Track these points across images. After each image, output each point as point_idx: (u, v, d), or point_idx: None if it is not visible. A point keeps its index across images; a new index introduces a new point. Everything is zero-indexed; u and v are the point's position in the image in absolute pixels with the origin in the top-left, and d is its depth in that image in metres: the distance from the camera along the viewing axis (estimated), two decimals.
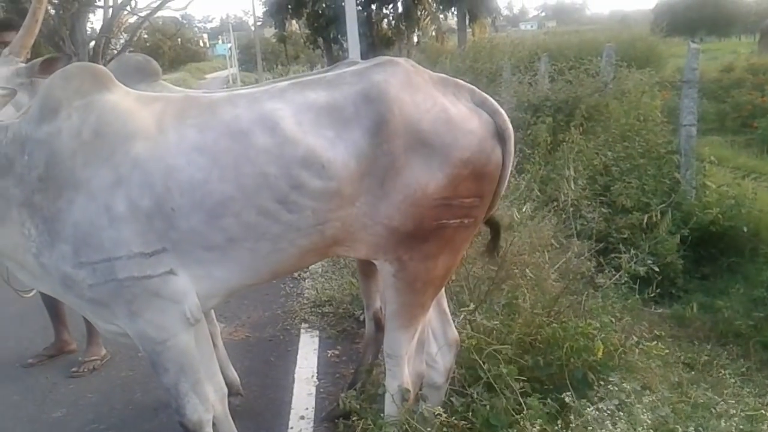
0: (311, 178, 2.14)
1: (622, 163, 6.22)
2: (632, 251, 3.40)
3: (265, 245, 2.20)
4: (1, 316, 4.81)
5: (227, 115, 2.20)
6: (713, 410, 2.60)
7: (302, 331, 4.40)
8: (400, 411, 2.53)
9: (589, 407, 2.43)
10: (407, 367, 2.55)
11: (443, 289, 2.71)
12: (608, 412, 2.38)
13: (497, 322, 3.13)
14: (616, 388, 2.55)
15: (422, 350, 2.65)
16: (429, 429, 2.51)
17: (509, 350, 2.92)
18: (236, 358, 3.72)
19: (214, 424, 2.50)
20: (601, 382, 2.71)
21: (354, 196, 2.21)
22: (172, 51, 46.11)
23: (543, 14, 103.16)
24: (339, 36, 25.04)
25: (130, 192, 2.12)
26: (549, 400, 2.63)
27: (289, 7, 27.24)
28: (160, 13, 16.20)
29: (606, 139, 6.59)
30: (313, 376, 3.74)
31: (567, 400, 2.48)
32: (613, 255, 3.65)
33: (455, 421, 2.53)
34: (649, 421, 2.31)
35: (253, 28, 43.71)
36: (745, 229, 5.55)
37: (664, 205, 4.36)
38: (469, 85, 2.42)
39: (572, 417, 2.44)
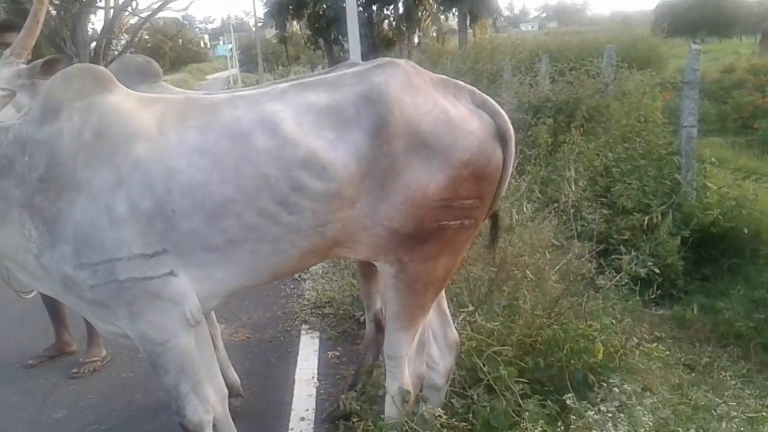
0: (312, 180, 2.14)
1: (622, 164, 6.22)
2: (633, 253, 3.40)
3: (265, 246, 2.20)
4: (2, 317, 4.82)
5: (228, 116, 2.20)
6: (714, 412, 2.60)
7: (303, 332, 4.40)
8: (400, 412, 2.53)
9: (590, 409, 2.43)
10: (407, 369, 2.55)
11: (443, 291, 2.71)
12: (609, 413, 2.38)
13: (498, 324, 3.13)
14: (617, 390, 2.55)
15: (423, 351, 2.65)
16: (429, 430, 2.51)
17: (509, 352, 2.92)
18: (236, 359, 3.72)
19: (214, 426, 2.50)
20: (602, 384, 2.71)
21: (354, 198, 2.21)
22: (173, 52, 46.10)
23: (544, 15, 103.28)
24: (340, 37, 25.02)
25: (130, 193, 2.12)
26: (549, 402, 2.63)
27: (290, 7, 27.22)
28: (161, 14, 16.21)
29: (607, 140, 6.59)
30: (313, 377, 3.74)
31: (568, 402, 2.48)
32: (613, 256, 3.65)
33: (455, 423, 2.53)
34: (650, 423, 2.31)
35: (254, 29, 43.73)
36: (746, 231, 5.55)
37: (664, 206, 4.36)
38: (469, 86, 2.42)
39: (573, 419, 2.44)
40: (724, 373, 3.44)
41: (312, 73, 2.76)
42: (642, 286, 3.77)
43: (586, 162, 6.07)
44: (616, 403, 2.46)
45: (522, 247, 3.77)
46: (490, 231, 2.86)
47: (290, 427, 3.25)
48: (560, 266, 3.78)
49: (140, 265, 2.15)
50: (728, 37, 37.95)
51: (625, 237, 5.07)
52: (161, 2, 14.57)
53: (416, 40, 28.91)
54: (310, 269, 5.17)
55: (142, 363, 3.82)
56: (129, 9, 14.73)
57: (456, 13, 27.21)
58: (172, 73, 40.52)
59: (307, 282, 5.26)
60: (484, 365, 2.79)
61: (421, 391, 2.69)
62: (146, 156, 2.13)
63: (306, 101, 2.22)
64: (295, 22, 29.70)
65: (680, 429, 2.38)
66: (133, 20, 15.74)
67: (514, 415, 2.53)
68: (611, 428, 2.29)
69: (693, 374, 3.62)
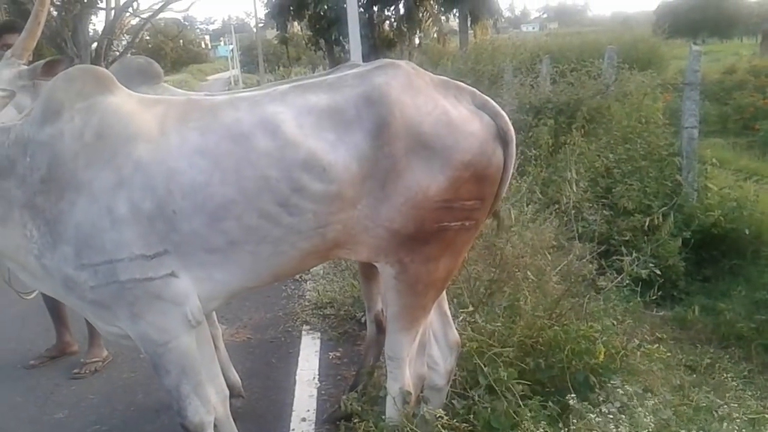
0: (312, 181, 2.15)
1: (623, 166, 6.21)
2: (634, 254, 3.40)
3: (266, 248, 2.21)
4: (3, 318, 4.82)
5: (229, 118, 2.20)
6: (715, 413, 2.60)
7: (304, 333, 4.40)
8: (401, 413, 2.53)
9: (591, 410, 2.43)
10: (408, 370, 2.55)
11: (444, 292, 2.71)
12: (610, 415, 2.38)
13: (498, 325, 3.13)
14: (618, 391, 2.55)
15: (423, 352, 2.65)
16: (430, 431, 2.51)
17: (510, 353, 2.92)
18: (238, 359, 3.72)
19: (215, 426, 2.50)
20: (603, 385, 2.71)
21: (355, 199, 2.21)
22: (174, 52, 46.12)
23: (545, 16, 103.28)
24: (341, 37, 25.06)
25: (131, 194, 2.12)
26: (550, 403, 2.63)
27: (291, 8, 27.26)
28: (162, 15, 16.27)
29: (608, 141, 6.59)
30: (314, 378, 3.74)
31: (571, 403, 2.48)
32: (614, 257, 3.64)
33: (456, 424, 2.52)
34: (651, 424, 2.31)
35: (254, 30, 43.73)
36: (747, 232, 5.54)
37: (666, 207, 4.35)
38: (470, 87, 2.42)
39: (574, 420, 2.43)
40: (725, 375, 3.43)
41: (313, 74, 2.76)
42: (643, 287, 3.76)
43: (587, 163, 6.07)
44: (618, 405, 2.47)
45: (523, 248, 3.77)
46: (494, 224, 2.85)
47: (291, 428, 3.25)
48: (561, 267, 3.78)
49: (141, 265, 2.15)
50: (729, 38, 37.94)
51: (626, 238, 5.07)
52: (162, 3, 14.60)
53: (417, 41, 28.95)
54: (311, 270, 5.17)
55: (144, 363, 3.82)
56: (130, 10, 14.79)
57: (457, 14, 27.24)
58: (173, 73, 40.55)
59: (308, 283, 5.26)
60: (484, 366, 2.79)
61: (422, 392, 2.69)
62: (147, 157, 2.13)
63: (307, 103, 2.22)
64: (296, 23, 29.76)
65: (682, 430, 2.39)
66: (134, 21, 15.80)
67: (515, 416, 2.53)
68: (612, 429, 2.29)
69: (694, 375, 3.62)
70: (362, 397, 3.01)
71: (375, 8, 27.03)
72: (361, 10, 23.43)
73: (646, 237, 4.60)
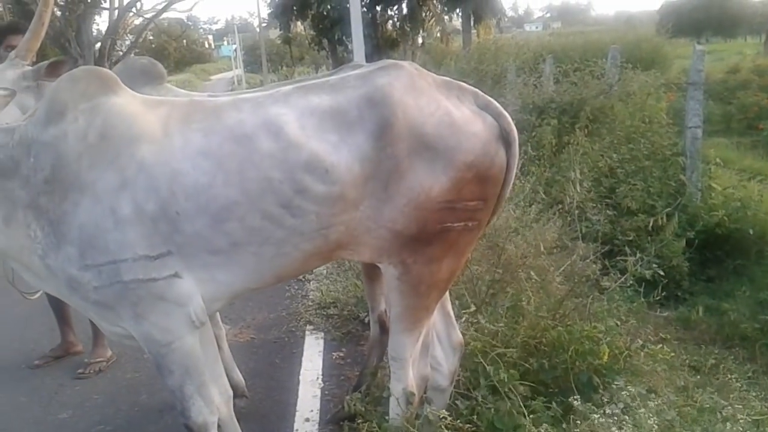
0: (315, 183, 2.15)
1: (627, 166, 6.21)
2: (638, 254, 3.39)
3: (269, 249, 2.21)
4: (7, 318, 4.83)
5: (232, 119, 2.20)
6: (719, 414, 2.59)
7: (307, 333, 4.40)
8: (404, 414, 2.52)
9: (595, 411, 2.43)
10: (412, 370, 2.55)
11: (447, 292, 2.71)
12: (614, 416, 2.38)
13: (502, 325, 3.13)
14: (622, 392, 2.55)
15: (427, 353, 2.65)
16: None
17: (514, 353, 2.91)
18: (241, 360, 3.72)
19: (219, 426, 2.50)
20: (607, 386, 2.71)
21: (358, 200, 2.21)
22: (177, 52, 46.20)
23: (548, 15, 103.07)
24: (344, 37, 25.04)
25: (135, 195, 2.12)
26: (554, 404, 2.62)
27: (294, 8, 27.25)
28: (165, 15, 16.30)
29: (611, 141, 6.59)
30: (318, 378, 3.74)
31: (575, 404, 2.47)
32: (618, 257, 3.64)
33: (460, 425, 2.53)
34: (655, 426, 2.30)
35: (258, 30, 43.80)
36: (751, 232, 5.54)
37: (669, 207, 4.34)
38: (472, 88, 2.42)
39: (578, 421, 2.43)
40: (729, 375, 3.43)
41: (316, 73, 2.76)
42: (647, 288, 3.76)
43: (590, 163, 6.06)
44: (621, 405, 2.46)
45: (526, 249, 3.76)
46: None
47: (295, 428, 3.25)
48: (565, 267, 3.77)
49: (144, 266, 2.15)
50: (733, 37, 37.86)
51: (630, 238, 5.06)
52: (166, 3, 14.63)
53: (420, 40, 28.90)
54: (315, 270, 5.17)
55: (147, 364, 3.82)
56: (133, 10, 14.80)
57: (460, 14, 27.19)
58: (176, 73, 40.63)
59: (311, 283, 5.26)
60: (487, 366, 2.79)
61: (425, 392, 2.69)
62: (151, 158, 2.14)
63: (309, 104, 2.22)
64: (299, 23, 29.75)
65: (685, 431, 2.38)
66: (138, 21, 15.82)
67: (518, 417, 2.53)
68: (616, 430, 2.29)
69: (698, 376, 3.61)
70: (366, 397, 3.01)
71: (378, 8, 27.01)
72: (364, 9, 23.36)
73: (649, 237, 4.60)
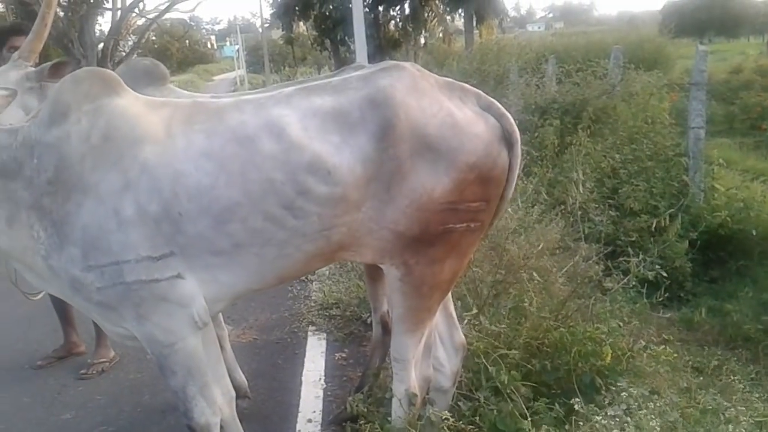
0: (317, 184, 2.15)
1: (630, 166, 6.20)
2: (640, 255, 3.39)
3: (271, 250, 2.21)
4: (11, 318, 4.84)
5: (234, 120, 2.20)
6: (722, 416, 2.58)
7: (309, 333, 4.40)
8: (407, 415, 2.53)
9: (597, 413, 2.42)
10: (414, 371, 2.55)
11: (450, 293, 2.71)
12: (616, 418, 2.37)
13: (504, 326, 3.13)
14: (624, 393, 2.54)
15: (429, 354, 2.65)
16: None
17: (516, 354, 2.91)
18: (244, 360, 3.72)
19: (221, 427, 2.50)
20: (609, 387, 2.71)
21: (360, 202, 2.21)
22: (180, 53, 46.27)
23: (550, 15, 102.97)
24: (346, 37, 25.05)
25: (138, 196, 2.13)
26: (556, 405, 2.62)
27: (297, 8, 27.28)
28: (168, 15, 16.30)
29: (614, 141, 6.58)
30: (320, 379, 3.74)
31: (576, 407, 2.47)
32: (621, 258, 3.64)
33: (462, 426, 2.52)
34: (658, 427, 2.30)
35: (260, 30, 43.76)
36: (754, 233, 5.52)
37: (673, 208, 4.34)
38: (475, 89, 2.42)
39: (580, 423, 2.43)
40: (732, 377, 3.42)
41: (318, 74, 2.76)
42: (650, 289, 3.75)
43: (593, 163, 6.06)
44: (624, 407, 2.46)
45: (529, 249, 3.76)
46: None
47: (297, 429, 3.25)
48: (567, 268, 3.77)
49: (147, 267, 2.15)
50: (736, 37, 37.79)
51: (633, 239, 5.06)
52: (168, 3, 14.64)
53: (422, 40, 28.87)
54: (317, 271, 5.17)
55: (150, 364, 3.83)
56: (136, 10, 14.81)
57: (462, 14, 27.17)
58: (179, 74, 40.66)
59: (314, 283, 5.26)
60: (489, 367, 2.79)
61: (427, 393, 2.69)
62: (153, 159, 2.14)
63: (311, 105, 2.22)
64: (301, 23, 29.78)
65: None
66: (140, 21, 15.82)
67: (521, 418, 2.52)
68: None
69: (701, 377, 3.60)
70: (368, 398, 3.01)
71: (380, 8, 27.01)
72: (367, 10, 23.40)
73: (652, 238, 4.59)
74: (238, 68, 45.12)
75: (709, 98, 7.85)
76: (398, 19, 28.16)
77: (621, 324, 3.27)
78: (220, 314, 3.22)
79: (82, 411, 3.57)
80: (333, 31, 26.39)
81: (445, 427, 2.49)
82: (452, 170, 2.23)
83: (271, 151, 2.15)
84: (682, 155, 6.24)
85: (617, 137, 6.63)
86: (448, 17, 28.31)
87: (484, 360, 2.85)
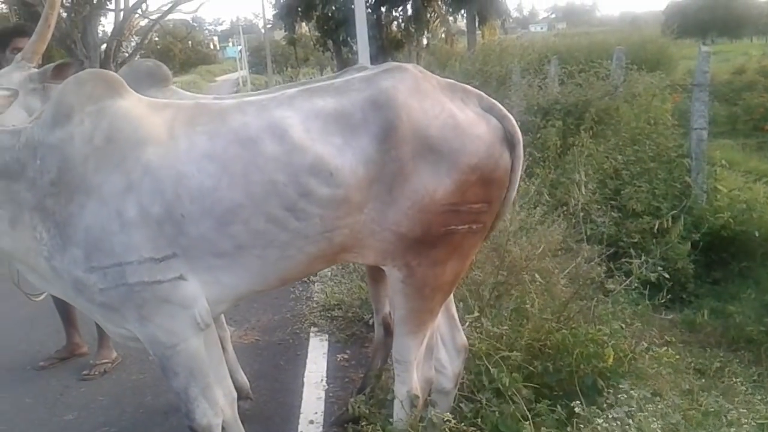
0: (319, 186, 2.15)
1: (632, 167, 6.19)
2: (643, 256, 3.38)
3: (273, 252, 2.21)
4: (13, 319, 4.85)
5: (236, 122, 2.21)
6: (724, 418, 2.58)
7: (311, 334, 4.40)
8: (409, 416, 2.53)
9: (599, 414, 2.42)
10: (416, 373, 2.55)
11: (452, 295, 2.71)
12: (618, 419, 2.37)
13: (506, 328, 3.13)
14: (626, 395, 2.54)
15: (431, 356, 2.65)
16: None
17: (518, 356, 2.91)
18: (246, 361, 3.73)
19: (223, 428, 2.51)
20: (611, 389, 2.70)
21: (362, 203, 2.21)
22: (182, 53, 46.35)
23: (553, 16, 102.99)
24: (348, 38, 25.05)
25: (140, 198, 2.13)
26: (558, 407, 2.62)
27: (299, 9, 27.30)
28: (170, 16, 16.35)
29: (616, 142, 6.57)
30: (322, 380, 3.75)
31: (578, 409, 2.47)
32: (623, 260, 3.63)
33: (464, 427, 2.52)
34: (659, 430, 2.29)
35: (263, 31, 43.84)
36: (757, 234, 5.51)
37: (675, 210, 4.34)
38: (477, 90, 2.42)
39: (581, 425, 2.43)
40: (734, 378, 3.42)
41: (321, 74, 2.77)
42: (652, 290, 3.74)
43: (595, 165, 6.05)
44: (626, 409, 2.45)
45: (531, 251, 3.76)
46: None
47: (299, 430, 3.25)
48: (569, 270, 3.77)
49: (150, 268, 2.16)
50: (739, 37, 37.71)
51: (635, 240, 5.05)
52: (171, 4, 14.66)
53: (425, 41, 28.89)
54: (319, 272, 5.17)
55: (152, 365, 3.83)
56: (139, 11, 14.84)
57: (465, 15, 27.17)
58: (181, 74, 40.74)
59: (316, 284, 5.26)
60: (491, 369, 2.78)
61: (429, 395, 2.69)
62: (156, 161, 2.15)
63: (313, 107, 2.23)
64: (304, 24, 29.78)
65: None
66: (143, 22, 15.86)
67: (522, 420, 2.52)
68: None
69: (703, 379, 3.60)
70: (370, 399, 3.02)
71: (383, 9, 27.01)
72: (369, 10, 23.44)
73: (655, 239, 4.59)
74: (241, 69, 45.15)
75: (712, 99, 7.85)
76: (401, 20, 28.17)
77: (623, 326, 3.27)
78: (222, 315, 3.22)
79: (85, 412, 3.58)
80: (335, 32, 26.39)
81: (447, 429, 2.49)
82: (454, 172, 2.23)
83: (273, 153, 2.15)
84: (684, 156, 6.24)
85: (620, 138, 6.62)
86: (451, 18, 28.31)
87: (485, 361, 2.85)
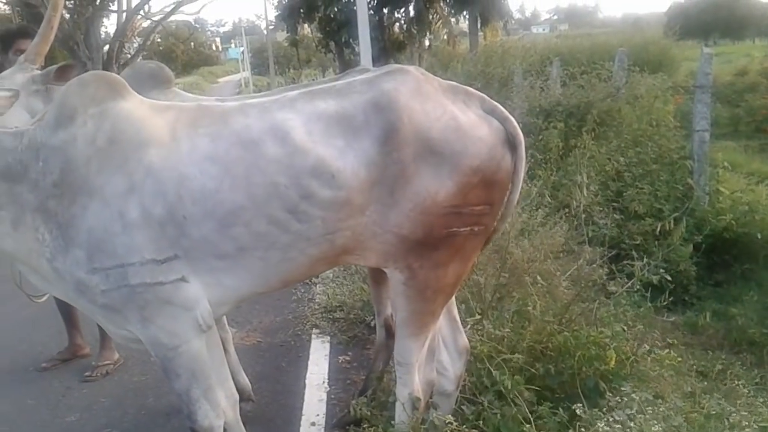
0: (321, 188, 2.15)
1: (634, 169, 6.20)
2: (645, 258, 3.38)
3: (275, 254, 2.21)
4: (16, 320, 4.86)
5: (238, 124, 2.21)
6: (726, 420, 2.57)
7: (313, 336, 4.40)
8: (410, 419, 2.53)
9: (601, 417, 2.42)
10: (418, 375, 2.55)
11: (453, 297, 2.71)
12: (620, 422, 2.37)
13: (508, 330, 3.12)
14: (628, 398, 2.54)
15: (433, 358, 2.65)
16: None
17: (520, 358, 2.91)
18: (247, 363, 3.73)
19: (225, 430, 2.51)
20: (613, 392, 2.70)
21: (364, 205, 2.21)
22: (185, 55, 46.45)
23: (555, 17, 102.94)
24: (351, 40, 25.04)
25: (143, 199, 2.14)
26: (560, 410, 2.61)
27: (301, 11, 27.29)
28: (173, 18, 16.37)
29: (618, 144, 6.57)
30: (324, 382, 3.74)
31: (579, 411, 2.46)
32: (625, 262, 3.63)
33: (466, 430, 2.53)
34: None
35: (265, 32, 43.82)
36: (759, 236, 5.51)
37: (677, 212, 4.33)
38: (479, 92, 2.42)
39: (584, 428, 2.42)
40: (737, 381, 3.41)
41: (323, 76, 2.77)
42: (654, 292, 3.74)
43: (597, 166, 6.05)
44: (628, 411, 2.45)
45: (533, 253, 3.76)
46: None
47: None
48: (571, 272, 3.77)
49: (152, 270, 2.16)
50: (741, 39, 37.63)
51: (637, 242, 5.05)
52: (173, 6, 14.69)
53: (427, 43, 28.87)
54: (321, 274, 5.17)
55: (154, 367, 3.83)
56: (141, 12, 14.86)
57: (467, 16, 27.16)
58: (184, 76, 40.80)
59: (317, 286, 5.26)
60: (493, 371, 2.78)
61: (431, 397, 2.69)
62: (158, 163, 2.15)
63: (315, 109, 2.23)
64: (306, 26, 29.78)
65: None
66: (146, 24, 15.89)
67: (524, 423, 2.52)
68: None
69: (705, 382, 3.59)
70: (371, 401, 3.01)
71: (385, 10, 27.00)
72: (371, 12, 23.42)
73: (657, 241, 4.57)
74: (243, 70, 45.16)
75: (714, 101, 7.85)
76: (403, 22, 28.14)
77: (625, 328, 3.27)
78: (224, 317, 3.22)
79: (87, 413, 3.58)
80: (337, 34, 26.38)
81: (449, 431, 2.48)
82: (456, 174, 2.23)
83: (275, 155, 2.15)
84: (686, 158, 6.23)
85: (622, 140, 6.63)
86: (453, 19, 28.28)
87: (487, 364, 2.85)
